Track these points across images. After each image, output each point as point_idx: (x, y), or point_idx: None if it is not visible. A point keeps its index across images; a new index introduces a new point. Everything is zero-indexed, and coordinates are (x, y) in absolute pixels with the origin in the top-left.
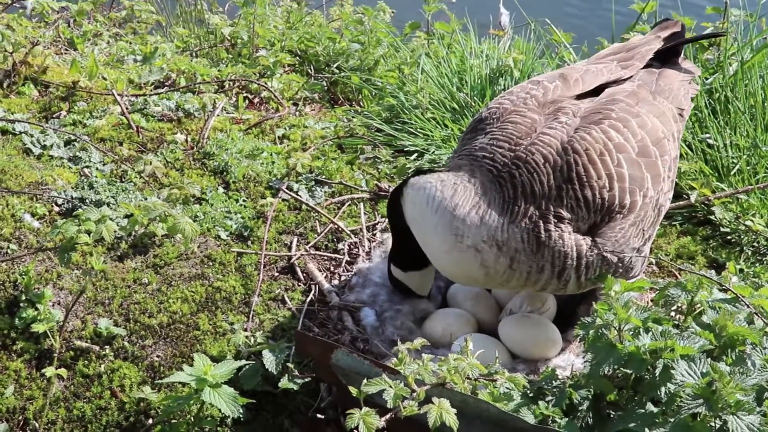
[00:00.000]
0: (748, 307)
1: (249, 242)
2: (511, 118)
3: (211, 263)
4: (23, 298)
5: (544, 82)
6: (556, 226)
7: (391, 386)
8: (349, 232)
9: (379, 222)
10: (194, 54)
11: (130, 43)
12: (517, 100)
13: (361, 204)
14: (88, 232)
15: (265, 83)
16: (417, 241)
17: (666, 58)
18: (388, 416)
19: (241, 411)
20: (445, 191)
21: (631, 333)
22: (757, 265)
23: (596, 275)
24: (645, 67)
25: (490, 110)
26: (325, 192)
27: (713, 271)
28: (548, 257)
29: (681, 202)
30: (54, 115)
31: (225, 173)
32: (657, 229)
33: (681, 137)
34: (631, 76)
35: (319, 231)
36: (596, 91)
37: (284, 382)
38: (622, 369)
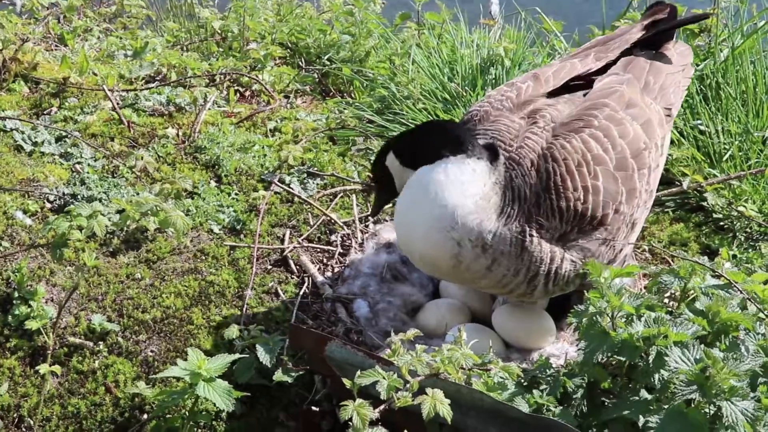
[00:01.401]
0: (741, 292)
1: (242, 236)
2: (498, 120)
3: (203, 257)
4: (16, 295)
5: (517, 83)
6: (537, 231)
7: (384, 378)
8: (341, 224)
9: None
10: (185, 48)
11: (121, 38)
12: (495, 103)
13: (354, 195)
14: (80, 228)
15: (256, 76)
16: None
17: (658, 42)
18: (381, 408)
19: (235, 405)
20: (462, 177)
21: (624, 320)
22: (750, 250)
23: (564, 282)
24: (640, 50)
25: (472, 113)
26: (318, 184)
27: (706, 258)
28: (526, 262)
29: (673, 189)
30: (45, 112)
31: (217, 167)
32: (634, 240)
33: (668, 137)
34: (608, 66)
35: (311, 223)
36: (569, 87)
37: (278, 375)
38: (615, 356)
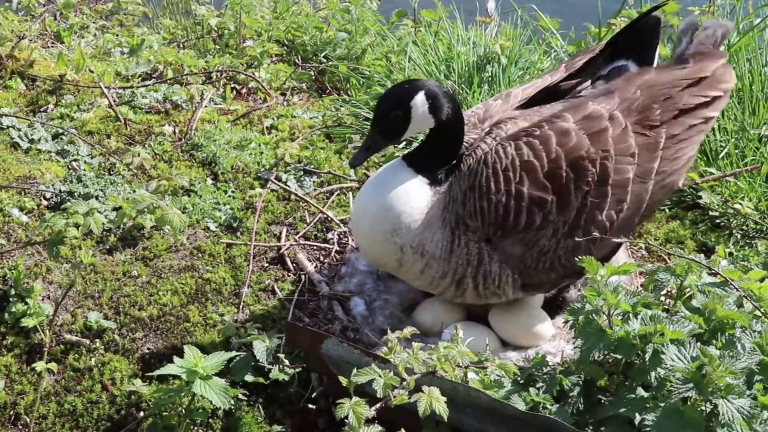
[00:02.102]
0: (737, 290)
1: (238, 233)
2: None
3: (200, 255)
4: (12, 292)
5: (489, 101)
6: (464, 234)
7: (380, 375)
8: (338, 222)
9: None
10: (181, 45)
11: (117, 35)
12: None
13: (350, 193)
14: (77, 226)
15: (253, 73)
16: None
17: (641, 54)
18: (378, 406)
19: (232, 402)
20: (411, 189)
21: (620, 318)
22: (746, 248)
23: (496, 286)
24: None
25: None
26: (314, 182)
27: (702, 255)
28: (453, 265)
29: None
30: (41, 109)
31: (213, 164)
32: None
33: (653, 155)
34: (572, 76)
35: (308, 221)
36: (543, 99)
37: (275, 373)
38: (612, 354)
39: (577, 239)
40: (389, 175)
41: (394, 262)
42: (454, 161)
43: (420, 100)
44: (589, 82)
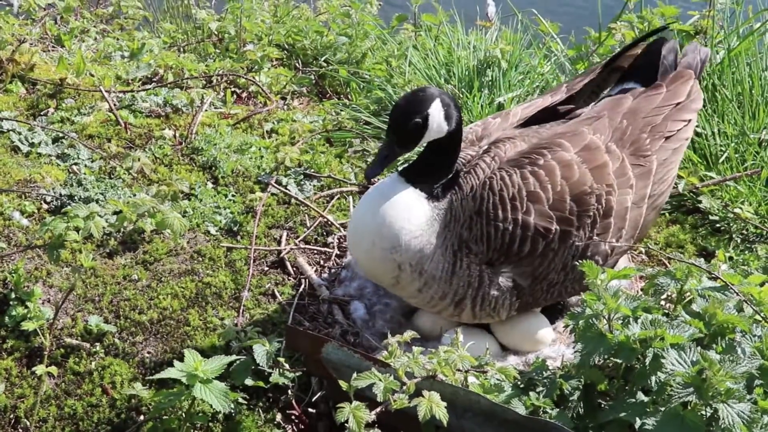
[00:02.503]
0: (737, 294)
1: (238, 237)
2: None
3: (200, 259)
4: (13, 296)
5: (488, 119)
6: (467, 256)
7: (381, 380)
8: (338, 226)
9: None
10: (181, 49)
11: (117, 39)
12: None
13: (351, 197)
14: (77, 229)
15: (253, 78)
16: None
17: (647, 75)
18: (378, 410)
19: (232, 406)
20: (411, 205)
21: (620, 322)
22: (747, 252)
23: (492, 308)
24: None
25: None
26: (314, 186)
27: (702, 260)
28: (455, 287)
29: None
30: (42, 113)
31: (214, 168)
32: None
33: (647, 184)
34: (572, 99)
35: (308, 225)
36: (540, 119)
37: (275, 377)
38: (612, 358)
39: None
40: (387, 190)
41: (392, 279)
42: (450, 175)
43: (437, 107)
44: (590, 107)
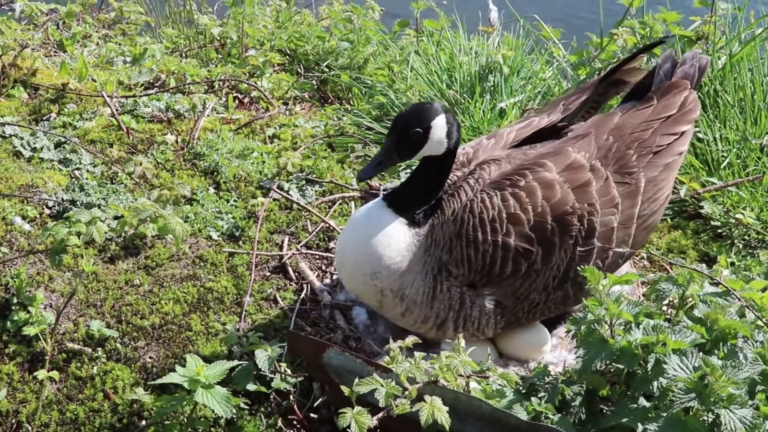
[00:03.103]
0: (739, 300)
1: (240, 242)
2: None
3: (202, 264)
4: (15, 301)
5: (483, 140)
6: (447, 279)
7: (382, 385)
8: (340, 231)
9: None
10: (184, 54)
11: (120, 44)
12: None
13: (352, 203)
14: (79, 234)
15: (255, 83)
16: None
17: (641, 90)
18: (380, 415)
19: (234, 411)
20: (391, 232)
21: (622, 328)
22: (748, 258)
23: (476, 328)
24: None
25: None
26: (316, 191)
27: (704, 265)
28: (436, 310)
29: (671, 197)
30: (44, 118)
31: (215, 173)
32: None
33: (634, 201)
34: (567, 118)
35: (310, 230)
36: (533, 138)
37: (277, 382)
38: (614, 364)
39: (566, 289)
40: (370, 216)
41: (376, 302)
42: (434, 201)
43: (441, 122)
44: (578, 125)
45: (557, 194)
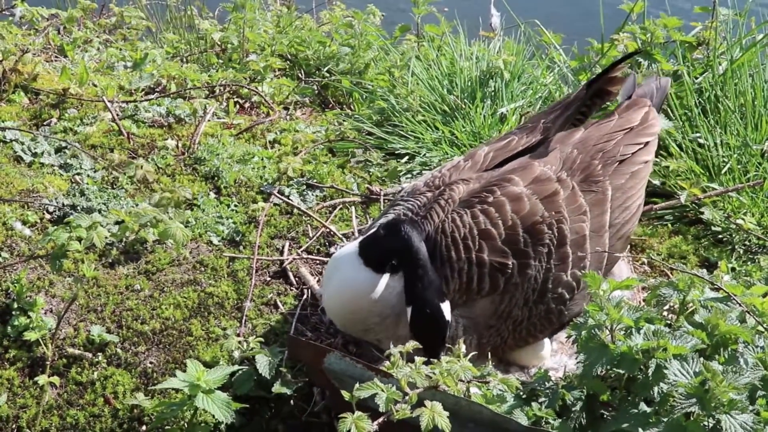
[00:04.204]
0: (740, 305)
1: (241, 247)
2: (415, 196)
3: (203, 269)
4: (15, 306)
5: (460, 161)
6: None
7: (383, 390)
8: (341, 236)
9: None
10: (184, 59)
11: (120, 49)
12: (430, 179)
13: (353, 207)
14: (80, 239)
15: (256, 88)
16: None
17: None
18: (380, 420)
19: (234, 416)
20: (377, 291)
21: (623, 333)
22: (749, 263)
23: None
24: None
25: (407, 188)
26: (317, 196)
27: (705, 270)
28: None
29: (671, 202)
30: (45, 123)
31: (216, 178)
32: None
33: (604, 210)
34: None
35: (311, 235)
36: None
37: (277, 387)
38: (614, 369)
39: (548, 303)
40: (352, 278)
41: (375, 342)
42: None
43: (446, 307)
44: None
45: (526, 206)
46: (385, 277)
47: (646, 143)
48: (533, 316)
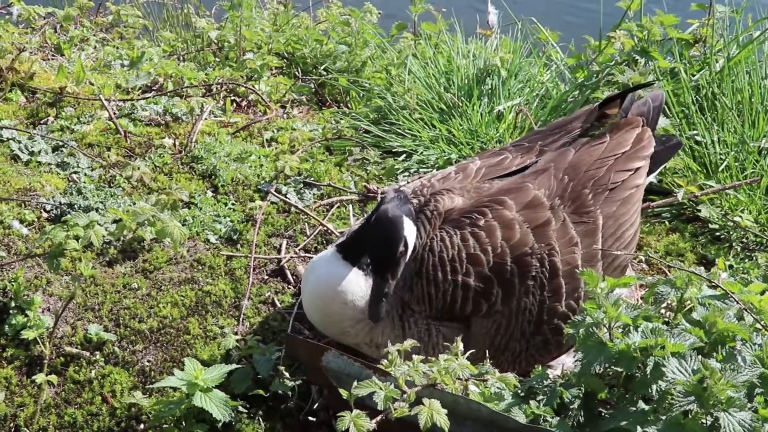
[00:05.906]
0: (737, 303)
1: (238, 246)
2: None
3: (200, 267)
4: (12, 304)
5: (450, 172)
6: (411, 315)
7: (381, 388)
8: (338, 234)
9: None
10: (181, 58)
11: (117, 47)
12: (416, 188)
13: (350, 206)
14: (77, 238)
15: (253, 86)
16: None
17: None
18: (378, 418)
19: (232, 415)
20: (354, 290)
21: (621, 331)
22: (747, 261)
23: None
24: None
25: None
26: (314, 194)
27: (702, 268)
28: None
29: (669, 199)
30: (41, 121)
31: (213, 177)
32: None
33: (595, 239)
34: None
35: (308, 233)
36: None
37: (275, 386)
38: (612, 367)
39: (544, 334)
40: (331, 275)
41: (354, 346)
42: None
43: (410, 228)
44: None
45: (516, 235)
46: (356, 271)
47: (637, 169)
48: (531, 348)
